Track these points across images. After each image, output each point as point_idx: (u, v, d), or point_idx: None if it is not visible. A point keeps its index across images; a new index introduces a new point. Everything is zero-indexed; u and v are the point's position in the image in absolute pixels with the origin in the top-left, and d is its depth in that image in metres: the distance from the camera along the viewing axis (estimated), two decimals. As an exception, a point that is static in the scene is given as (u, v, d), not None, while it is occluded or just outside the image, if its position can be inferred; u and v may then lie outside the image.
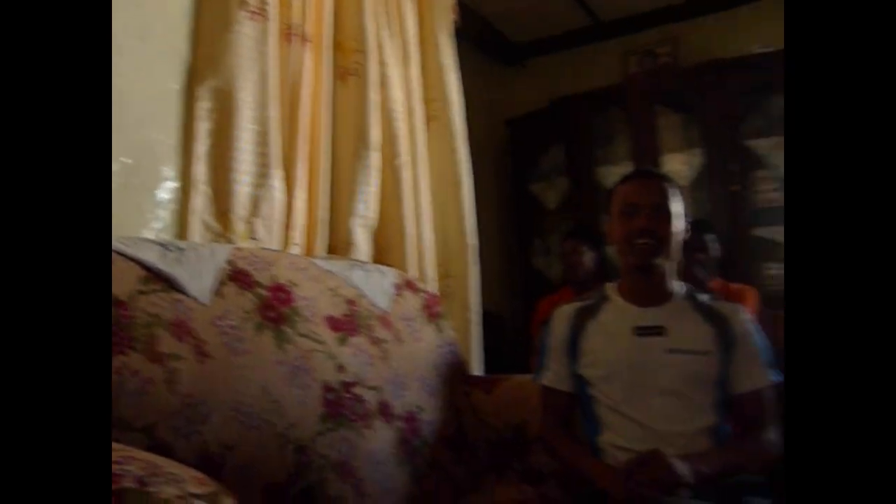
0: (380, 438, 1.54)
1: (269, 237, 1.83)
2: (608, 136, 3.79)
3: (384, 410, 1.59)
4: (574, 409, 1.55)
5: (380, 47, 2.22)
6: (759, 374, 1.44)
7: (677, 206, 1.49)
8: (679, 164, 3.49)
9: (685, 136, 3.56)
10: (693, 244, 2.88)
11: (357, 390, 1.54)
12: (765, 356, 1.46)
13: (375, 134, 2.16)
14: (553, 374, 1.54)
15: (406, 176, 2.26)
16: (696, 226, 2.93)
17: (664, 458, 1.29)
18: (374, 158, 2.15)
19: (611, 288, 1.57)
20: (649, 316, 1.48)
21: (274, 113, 1.85)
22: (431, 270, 2.32)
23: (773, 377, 1.45)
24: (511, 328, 3.85)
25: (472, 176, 2.54)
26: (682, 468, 1.28)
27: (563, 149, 3.84)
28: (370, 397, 1.56)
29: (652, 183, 1.50)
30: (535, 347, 2.30)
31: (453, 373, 1.88)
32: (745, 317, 1.49)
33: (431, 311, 1.93)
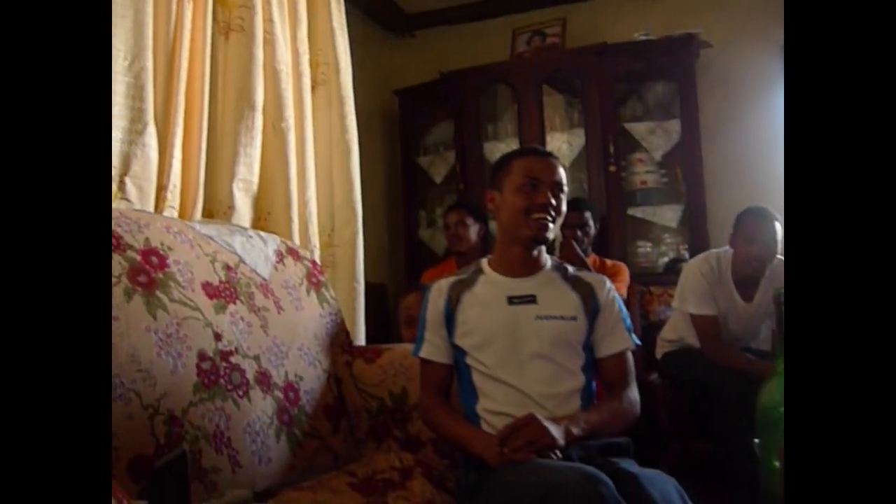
0: (257, 408, 1.50)
1: (141, 198, 1.72)
2: (495, 112, 3.86)
3: (263, 380, 1.55)
4: (451, 379, 1.59)
5: (266, 3, 2.13)
6: (621, 338, 1.56)
7: (566, 185, 1.57)
8: (561, 144, 3.60)
9: (568, 116, 3.68)
10: (573, 221, 3.00)
11: (234, 359, 1.49)
12: (626, 322, 1.58)
13: (259, 94, 2.08)
14: (430, 346, 1.57)
15: (291, 140, 2.19)
16: (576, 204, 3.05)
17: (538, 422, 1.36)
18: (258, 120, 2.07)
19: (485, 263, 1.62)
20: (521, 286, 1.55)
21: (149, 65, 1.74)
22: (315, 239, 2.28)
23: (633, 341, 1.57)
24: (395, 299, 3.86)
25: (358, 145, 2.50)
26: (555, 431, 1.35)
27: (452, 123, 3.87)
28: (248, 366, 1.52)
29: (552, 161, 1.56)
30: (403, 320, 2.33)
31: (335, 342, 1.87)
32: (609, 286, 1.59)
33: (314, 280, 1.90)
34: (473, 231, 3.21)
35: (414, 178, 4.00)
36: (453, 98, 3.81)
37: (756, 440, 0.80)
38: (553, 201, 1.51)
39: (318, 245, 2.29)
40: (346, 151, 2.44)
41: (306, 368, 1.71)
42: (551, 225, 1.52)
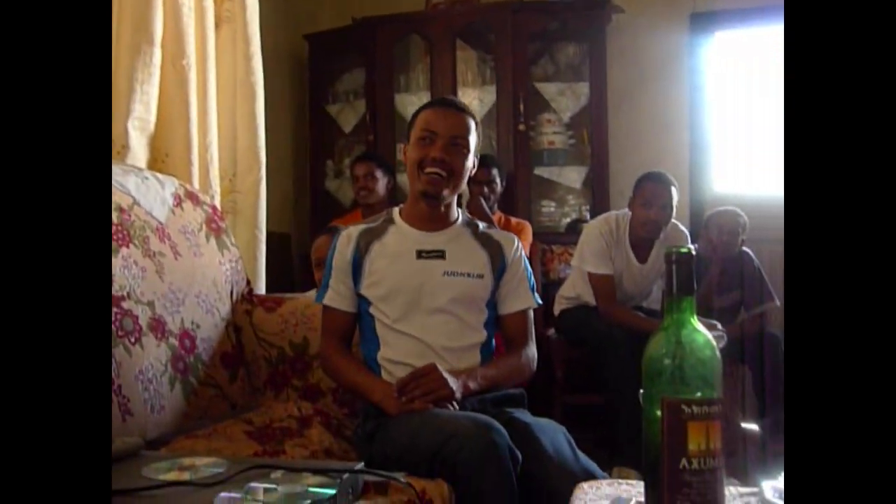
0: (150, 356, 1.45)
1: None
2: (408, 63, 3.80)
3: (157, 327, 1.50)
4: (354, 328, 1.58)
5: (168, -70, 1.99)
6: (524, 297, 1.59)
7: (473, 141, 1.54)
8: (472, 100, 3.60)
9: (480, 72, 3.67)
10: (480, 177, 3.03)
11: (126, 305, 1.43)
12: (530, 282, 1.61)
13: (158, 28, 1.95)
14: (334, 294, 1.55)
15: (192, 79, 2.08)
16: (484, 161, 3.08)
17: (438, 372, 1.38)
18: (156, 56, 1.95)
19: (396, 212, 1.61)
20: (431, 240, 1.54)
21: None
22: (216, 184, 2.19)
23: (536, 301, 1.60)
24: (298, 250, 3.79)
25: (265, 89, 2.41)
26: (453, 383, 1.38)
27: (363, 71, 3.79)
28: (141, 312, 1.46)
29: (453, 113, 1.53)
30: (314, 263, 2.30)
31: (235, 291, 1.82)
32: (517, 245, 1.61)
33: (214, 226, 1.83)
34: (382, 184, 3.18)
35: (322, 127, 3.91)
36: (365, 46, 3.72)
37: (641, 391, 0.84)
38: (447, 156, 1.48)
39: (218, 191, 2.21)
40: (251, 95, 2.34)
41: (203, 316, 1.66)
42: (446, 181, 1.49)
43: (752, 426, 3.06)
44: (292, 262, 3.64)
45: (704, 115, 3.63)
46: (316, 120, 3.91)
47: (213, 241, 1.80)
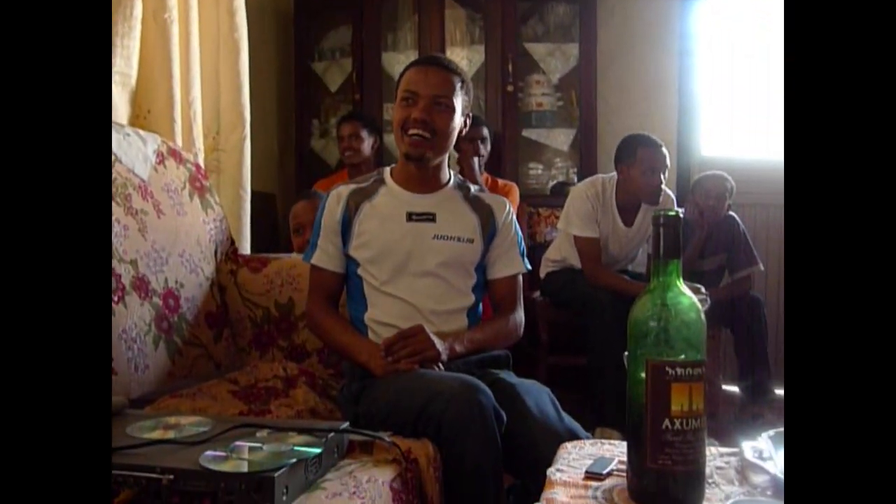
0: (134, 315, 1.44)
1: None
2: (396, 21, 3.73)
3: (140, 286, 1.48)
4: (341, 288, 1.58)
5: None
6: (514, 262, 1.58)
7: (460, 100, 1.50)
8: (461, 59, 3.55)
9: (469, 32, 3.61)
10: (473, 134, 2.99)
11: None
12: (520, 247, 1.60)
13: (138, -21, 1.89)
14: (322, 254, 1.54)
15: (175, 34, 2.03)
16: (476, 120, 3.05)
17: (425, 333, 1.38)
18: (137, 8, 1.90)
19: (387, 172, 1.58)
20: (421, 202, 1.52)
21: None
22: (200, 142, 2.16)
23: (525, 266, 1.59)
24: (283, 209, 3.76)
25: (249, 45, 2.36)
26: (440, 345, 1.39)
27: (350, 29, 3.71)
28: (124, 271, 1.45)
29: (436, 72, 1.49)
30: (292, 228, 2.28)
31: (219, 250, 1.81)
32: (508, 210, 1.60)
33: (198, 185, 1.81)
34: (368, 144, 3.15)
35: (308, 85, 3.84)
36: (352, 2, 3.64)
37: (626, 353, 0.84)
38: (429, 117, 1.45)
39: (202, 149, 2.17)
40: (235, 51, 2.30)
41: (187, 275, 1.65)
42: (429, 142, 1.46)
43: (733, 388, 3.12)
44: (277, 221, 3.61)
45: (693, 80, 3.61)
46: (301, 78, 3.84)
47: (196, 199, 1.78)
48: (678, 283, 0.82)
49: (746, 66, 3.71)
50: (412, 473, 1.13)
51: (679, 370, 0.79)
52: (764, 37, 3.69)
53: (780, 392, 3.05)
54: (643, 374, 0.81)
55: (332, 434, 1.02)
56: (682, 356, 0.80)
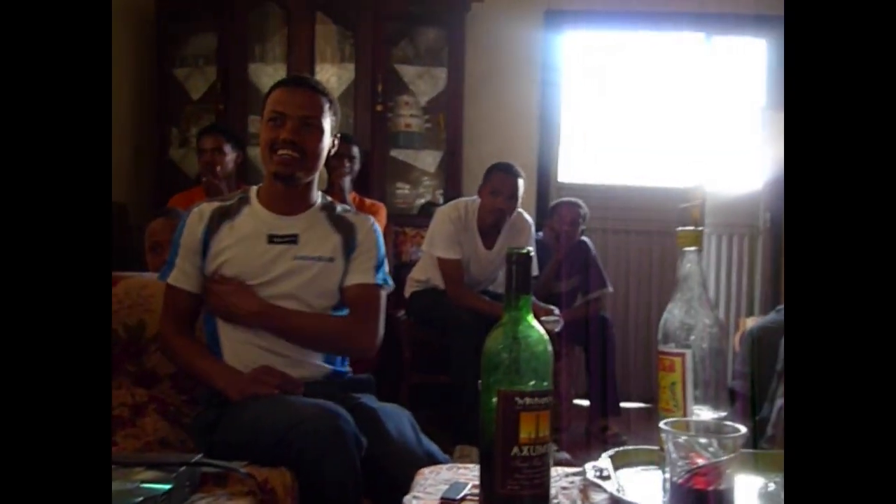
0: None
1: None
2: (265, 32, 3.66)
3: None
4: (198, 310, 1.52)
5: None
6: (368, 272, 1.53)
7: (328, 121, 1.50)
8: (330, 76, 3.54)
9: (339, 48, 3.61)
10: (341, 150, 2.98)
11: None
12: (378, 261, 1.56)
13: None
14: (180, 273, 1.48)
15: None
16: (345, 138, 3.04)
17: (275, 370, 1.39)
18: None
19: (253, 192, 1.55)
20: (285, 224, 1.50)
21: None
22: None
23: (380, 280, 1.55)
24: (137, 221, 3.56)
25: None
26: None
27: (216, 36, 3.60)
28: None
29: (304, 93, 1.48)
30: (148, 247, 2.18)
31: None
32: (371, 226, 1.58)
33: (40, 197, 1.68)
34: (230, 159, 3.04)
35: (168, 91, 3.67)
36: (219, 8, 3.53)
37: (479, 381, 0.88)
38: (297, 137, 1.44)
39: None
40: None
41: (25, 295, 1.53)
42: (299, 162, 1.45)
43: (584, 402, 3.30)
44: (130, 234, 3.41)
45: (554, 109, 3.81)
46: (161, 83, 3.66)
47: (38, 213, 1.66)
48: (528, 317, 0.87)
49: (603, 97, 3.97)
50: (268, 504, 1.11)
51: (528, 400, 0.83)
52: (620, 71, 3.98)
53: (625, 405, 3.27)
54: (494, 403, 0.85)
55: (183, 468, 0.98)
56: (531, 384, 0.85)
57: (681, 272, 1.03)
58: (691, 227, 1.04)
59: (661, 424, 0.76)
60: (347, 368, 1.58)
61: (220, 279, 1.46)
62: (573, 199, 3.24)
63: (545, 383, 0.86)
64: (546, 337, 0.87)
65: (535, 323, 0.87)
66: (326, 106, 1.50)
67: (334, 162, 2.94)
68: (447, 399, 2.65)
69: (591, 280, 3.20)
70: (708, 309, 1.01)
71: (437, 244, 2.77)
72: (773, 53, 3.85)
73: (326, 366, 1.51)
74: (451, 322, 2.63)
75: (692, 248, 1.01)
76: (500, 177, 2.74)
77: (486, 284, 2.93)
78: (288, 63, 3.47)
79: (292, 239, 1.49)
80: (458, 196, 3.32)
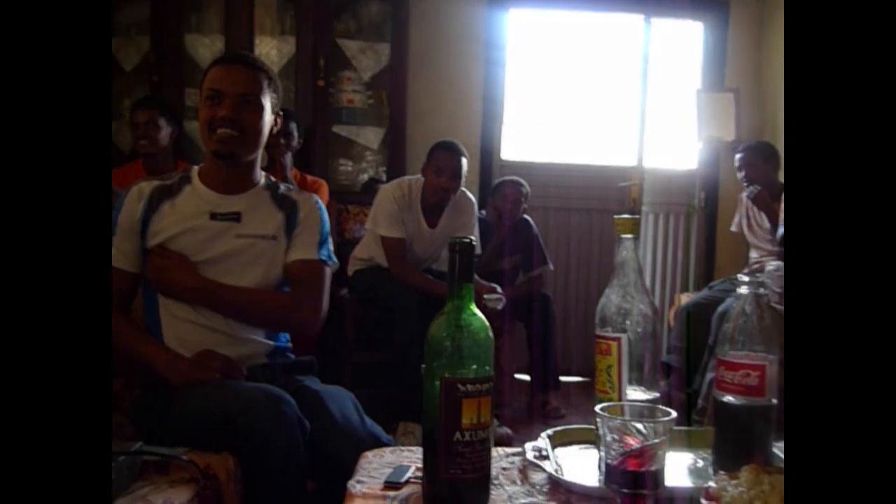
0: None
1: None
2: (201, 1, 3.54)
3: None
4: (135, 290, 1.49)
5: None
6: (310, 248, 1.52)
7: (268, 98, 1.48)
8: (270, 49, 3.46)
9: (280, 20, 3.53)
10: (278, 133, 2.92)
11: None
12: (322, 237, 1.55)
13: None
14: (118, 253, 1.44)
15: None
16: (283, 115, 2.98)
17: (217, 354, 1.37)
18: None
19: (195, 171, 1.52)
20: (227, 203, 1.48)
21: None
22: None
23: (322, 257, 1.54)
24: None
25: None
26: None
27: (148, 3, 3.46)
28: None
29: (242, 70, 1.45)
30: None
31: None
32: (314, 204, 1.57)
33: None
34: (166, 133, 2.93)
35: (99, 61, 3.52)
36: (152, -25, 3.40)
37: (423, 366, 0.90)
38: (236, 115, 1.41)
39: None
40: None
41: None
42: (239, 140, 1.43)
43: (525, 377, 3.37)
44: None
45: (498, 87, 3.82)
46: (91, 53, 3.51)
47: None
48: (471, 305, 0.88)
49: (546, 76, 4.00)
50: (211, 491, 1.11)
51: (469, 387, 0.85)
52: (563, 51, 4.01)
53: (565, 380, 3.35)
54: (437, 390, 0.86)
55: (122, 458, 0.97)
56: (474, 369, 0.87)
57: (618, 259, 1.06)
58: (628, 216, 1.07)
59: (597, 409, 0.79)
60: (289, 344, 1.57)
61: (161, 252, 1.43)
62: (516, 178, 3.27)
63: (487, 368, 0.88)
64: (487, 324, 0.89)
65: (477, 311, 0.89)
66: (266, 83, 1.47)
67: (273, 139, 2.88)
68: (390, 377, 2.67)
69: (533, 258, 3.26)
70: (643, 294, 1.05)
71: (380, 223, 2.76)
72: (710, 36, 3.95)
73: (269, 342, 1.50)
74: (394, 300, 2.64)
75: (629, 236, 1.05)
76: (444, 156, 2.74)
77: (429, 263, 2.95)
78: (225, 34, 3.37)
79: (235, 217, 1.47)
80: (402, 173, 3.31)
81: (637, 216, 1.08)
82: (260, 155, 1.53)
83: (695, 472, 1.05)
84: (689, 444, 1.12)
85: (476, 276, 2.75)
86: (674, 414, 0.78)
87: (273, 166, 2.94)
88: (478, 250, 2.92)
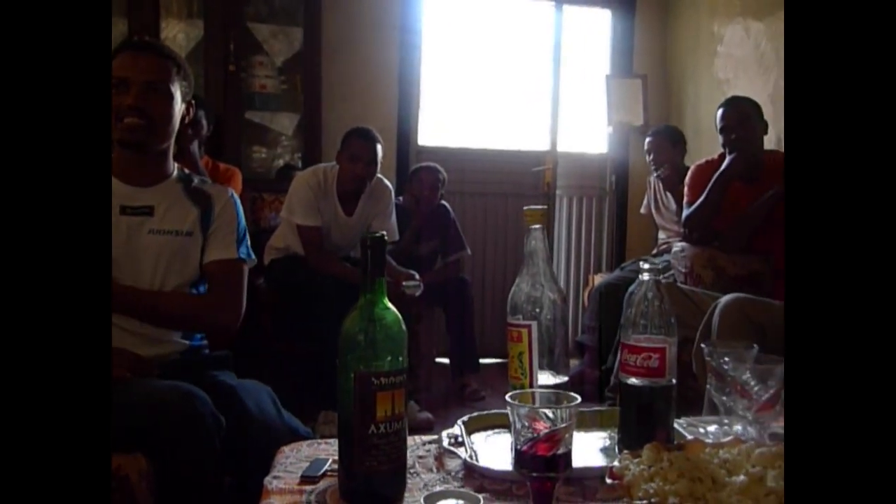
0: None
1: None
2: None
3: None
4: None
5: None
6: (228, 247, 1.50)
7: (178, 86, 1.44)
8: (177, 33, 3.33)
9: (187, 3, 3.40)
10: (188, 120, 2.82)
11: None
12: (238, 234, 1.53)
13: None
14: None
15: None
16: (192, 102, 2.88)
17: (126, 351, 1.33)
18: None
19: None
20: (139, 195, 1.43)
21: None
22: None
23: (242, 254, 1.52)
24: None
25: None
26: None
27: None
28: None
29: (148, 57, 1.41)
30: None
31: None
32: (229, 198, 1.54)
33: None
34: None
35: None
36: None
37: (338, 360, 0.90)
38: (143, 104, 1.37)
39: None
40: None
41: None
42: (146, 129, 1.39)
43: (444, 360, 3.41)
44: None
45: (413, 72, 3.81)
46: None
47: None
48: (384, 299, 0.90)
49: (460, 61, 4.02)
50: (122, 493, 1.09)
51: (383, 380, 0.86)
52: (479, 35, 4.04)
53: (483, 362, 3.42)
54: (352, 384, 0.87)
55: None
56: (388, 362, 0.88)
57: (527, 248, 1.10)
58: (537, 207, 1.11)
59: (507, 397, 0.82)
60: (204, 342, 1.54)
61: None
62: (432, 165, 3.28)
63: (400, 360, 0.89)
64: (400, 317, 0.90)
65: (390, 305, 0.90)
66: (174, 70, 1.43)
67: (181, 127, 2.79)
68: (310, 366, 2.65)
69: (450, 243, 3.29)
70: (552, 283, 1.09)
71: (295, 211, 2.73)
72: (618, 24, 4.07)
73: (184, 342, 1.47)
74: (311, 289, 2.62)
75: (538, 226, 1.09)
76: (359, 142, 2.72)
77: (347, 250, 2.93)
78: (129, 18, 3.22)
79: (147, 211, 1.43)
80: (318, 159, 3.27)
81: (545, 207, 1.11)
82: (172, 145, 1.49)
83: (604, 450, 1.10)
84: (600, 424, 1.18)
85: (394, 263, 2.79)
86: (578, 399, 0.81)
87: (182, 156, 2.84)
88: (395, 236, 2.93)
